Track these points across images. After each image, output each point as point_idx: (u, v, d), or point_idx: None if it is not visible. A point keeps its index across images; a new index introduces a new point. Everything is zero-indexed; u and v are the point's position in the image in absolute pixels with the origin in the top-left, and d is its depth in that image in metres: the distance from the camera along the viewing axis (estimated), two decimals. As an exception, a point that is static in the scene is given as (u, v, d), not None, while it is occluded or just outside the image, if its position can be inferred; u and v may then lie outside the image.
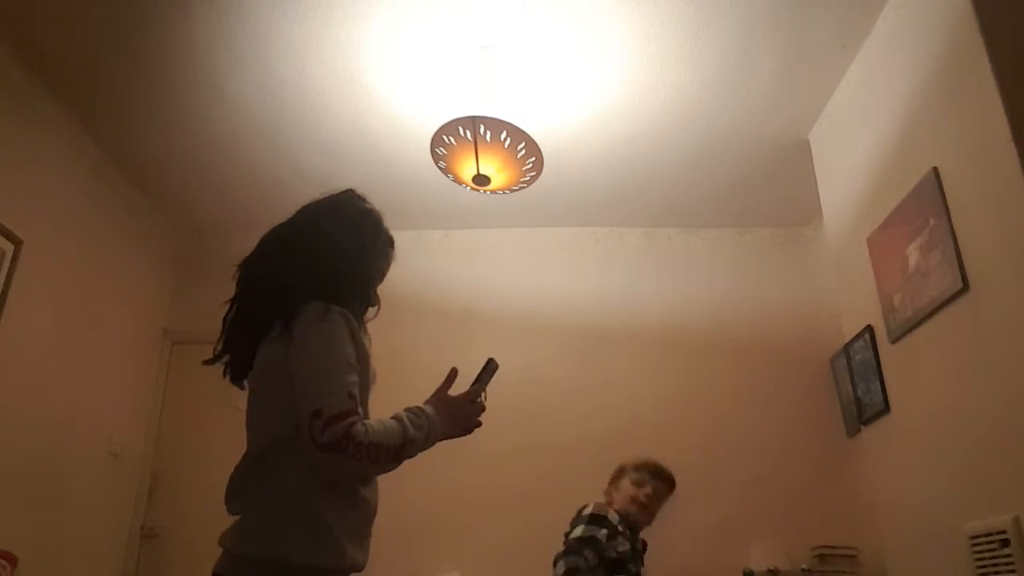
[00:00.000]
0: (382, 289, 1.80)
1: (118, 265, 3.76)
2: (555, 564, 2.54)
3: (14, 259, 2.94)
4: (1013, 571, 2.03)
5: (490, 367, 1.58)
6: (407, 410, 1.46)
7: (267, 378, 1.41)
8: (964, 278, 2.26)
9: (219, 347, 1.53)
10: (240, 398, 4.18)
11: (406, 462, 1.43)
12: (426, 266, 4.33)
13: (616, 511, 2.70)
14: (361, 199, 1.68)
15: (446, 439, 1.54)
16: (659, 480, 2.81)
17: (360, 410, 1.36)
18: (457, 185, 3.07)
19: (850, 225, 3.10)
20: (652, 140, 3.55)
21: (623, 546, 2.55)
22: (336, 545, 1.30)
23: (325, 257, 1.52)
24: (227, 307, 1.57)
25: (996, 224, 2.15)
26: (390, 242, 1.69)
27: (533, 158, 2.92)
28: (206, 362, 1.55)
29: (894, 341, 2.72)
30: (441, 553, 3.72)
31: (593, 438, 3.90)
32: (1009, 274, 2.09)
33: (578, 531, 2.59)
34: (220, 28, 2.85)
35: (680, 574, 3.56)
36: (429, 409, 1.49)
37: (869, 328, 2.90)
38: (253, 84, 3.15)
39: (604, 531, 2.56)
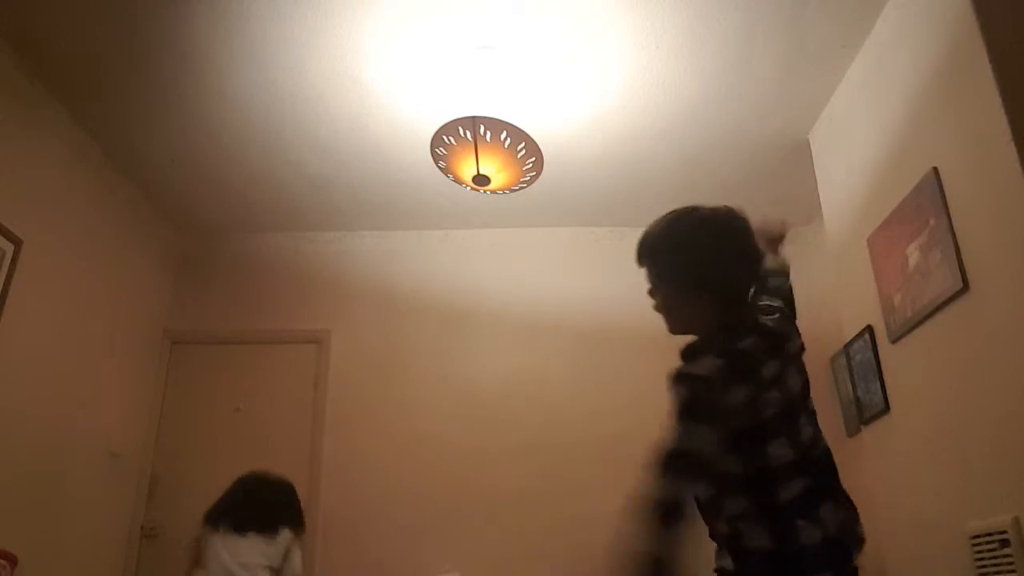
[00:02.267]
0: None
1: (118, 265, 3.76)
2: None
3: (14, 259, 2.94)
4: (1013, 571, 2.03)
5: None
6: None
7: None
8: (964, 278, 2.26)
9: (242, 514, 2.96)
10: (240, 399, 4.23)
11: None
12: (426, 266, 4.33)
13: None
14: None
15: None
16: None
17: None
18: (457, 185, 3.07)
19: (850, 225, 3.10)
20: (652, 140, 3.55)
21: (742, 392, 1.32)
22: None
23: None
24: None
25: (996, 224, 2.15)
26: None
27: (533, 158, 2.92)
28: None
29: (894, 341, 2.72)
30: (441, 553, 3.72)
31: (593, 438, 3.90)
32: (1009, 274, 2.09)
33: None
34: (220, 28, 2.85)
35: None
36: None
37: (869, 328, 2.90)
38: (253, 84, 3.15)
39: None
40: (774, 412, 1.35)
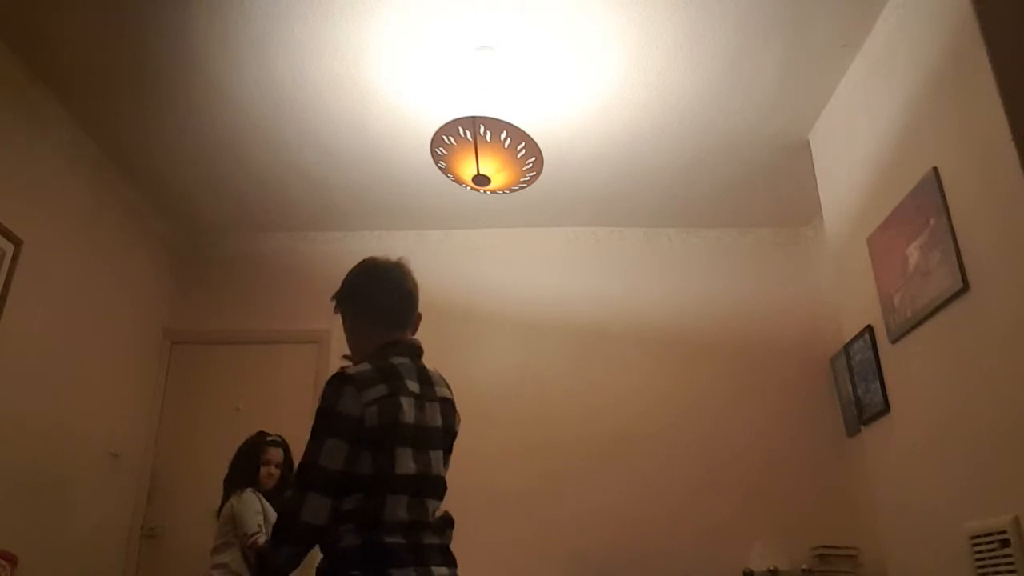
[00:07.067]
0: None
1: (118, 265, 3.76)
2: None
3: (14, 259, 2.94)
4: (1013, 571, 2.03)
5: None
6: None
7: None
8: (964, 278, 2.26)
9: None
10: (239, 399, 4.24)
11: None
12: (426, 266, 4.28)
13: None
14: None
15: None
16: None
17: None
18: (457, 185, 3.07)
19: (850, 225, 3.10)
20: (652, 140, 3.55)
21: None
22: None
23: None
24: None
25: (996, 224, 2.15)
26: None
27: (533, 158, 2.92)
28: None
29: (894, 341, 2.72)
30: (441, 553, 3.71)
31: (593, 438, 3.90)
32: (1009, 274, 2.09)
33: None
34: (220, 28, 2.85)
35: (680, 574, 3.56)
36: None
37: (869, 328, 2.90)
38: (253, 84, 3.15)
39: None
40: (408, 422, 1.58)
